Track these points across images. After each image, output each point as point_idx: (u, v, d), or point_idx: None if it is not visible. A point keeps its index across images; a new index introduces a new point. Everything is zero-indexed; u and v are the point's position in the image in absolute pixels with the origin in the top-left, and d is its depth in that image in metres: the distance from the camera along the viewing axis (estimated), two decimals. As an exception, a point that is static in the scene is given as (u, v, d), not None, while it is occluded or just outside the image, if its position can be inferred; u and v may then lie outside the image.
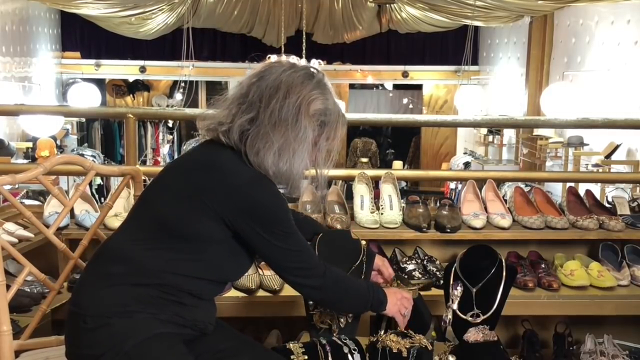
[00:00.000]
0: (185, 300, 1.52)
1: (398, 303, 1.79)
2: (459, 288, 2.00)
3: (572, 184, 3.34)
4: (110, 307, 1.46)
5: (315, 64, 5.47)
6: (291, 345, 1.79)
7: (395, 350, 1.80)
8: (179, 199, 1.51)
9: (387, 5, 7.79)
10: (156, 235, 1.52)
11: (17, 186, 5.29)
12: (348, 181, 3.96)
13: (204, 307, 1.58)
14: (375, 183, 2.69)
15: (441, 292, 2.20)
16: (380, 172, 2.66)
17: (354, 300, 1.74)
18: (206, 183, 1.50)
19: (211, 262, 1.54)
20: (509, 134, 7.76)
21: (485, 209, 2.59)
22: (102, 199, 7.10)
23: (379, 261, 1.96)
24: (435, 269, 2.38)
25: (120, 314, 1.46)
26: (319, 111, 1.55)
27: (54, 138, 6.96)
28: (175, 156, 9.42)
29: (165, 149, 9.72)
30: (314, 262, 1.64)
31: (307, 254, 1.63)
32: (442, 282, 2.28)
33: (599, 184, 4.65)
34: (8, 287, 1.66)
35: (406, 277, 2.28)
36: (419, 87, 10.65)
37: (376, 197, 2.58)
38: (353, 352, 1.77)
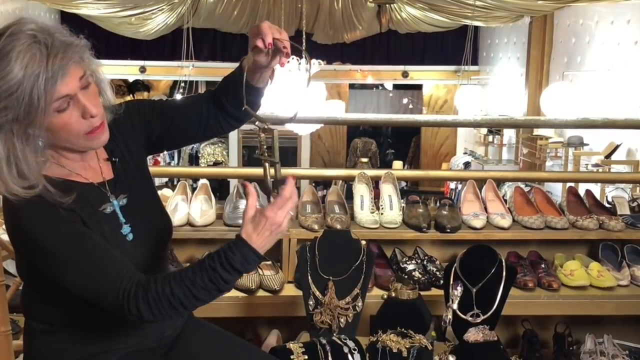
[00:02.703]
0: (114, 328, 1.37)
1: (268, 230, 1.25)
2: (458, 288, 2.00)
3: (572, 184, 3.34)
4: (56, 357, 1.37)
5: (316, 64, 5.47)
6: (291, 345, 1.79)
7: (395, 350, 1.80)
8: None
9: (387, 5, 7.79)
10: (32, 286, 1.40)
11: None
12: (348, 181, 3.96)
13: (141, 325, 1.39)
14: (375, 183, 2.69)
15: (441, 292, 2.20)
16: (380, 172, 2.66)
17: (198, 297, 1.24)
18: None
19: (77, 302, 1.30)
20: (509, 134, 7.76)
21: (485, 209, 2.58)
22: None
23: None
24: (435, 269, 2.37)
25: None
26: None
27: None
28: (175, 156, 9.44)
29: (165, 149, 9.70)
30: (106, 286, 1.24)
31: (94, 278, 1.24)
32: (442, 282, 2.28)
33: (599, 184, 4.65)
34: (8, 287, 1.66)
35: (406, 277, 2.28)
36: (419, 87, 10.66)
37: (376, 197, 2.58)
38: (353, 352, 1.77)
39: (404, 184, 7.90)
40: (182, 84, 8.76)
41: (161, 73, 9.33)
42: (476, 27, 8.05)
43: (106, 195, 1.35)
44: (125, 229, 1.35)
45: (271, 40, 1.31)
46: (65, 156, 1.30)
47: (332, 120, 2.96)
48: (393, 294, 2.03)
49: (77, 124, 1.22)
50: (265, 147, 1.34)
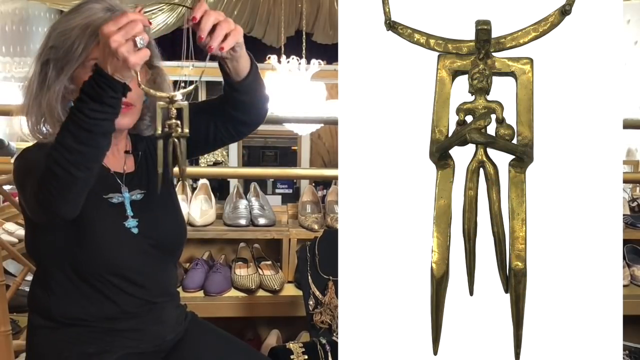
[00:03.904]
0: (114, 329, 1.36)
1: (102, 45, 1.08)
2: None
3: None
4: (53, 355, 1.35)
5: (315, 64, 5.48)
6: (291, 345, 1.79)
7: (395, 350, 1.80)
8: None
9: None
10: (40, 269, 1.39)
11: (17, 186, 5.29)
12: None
13: (135, 324, 1.38)
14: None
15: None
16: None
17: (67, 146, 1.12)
18: None
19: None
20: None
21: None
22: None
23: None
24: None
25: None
26: (52, 39, 1.26)
27: (54, 138, 6.94)
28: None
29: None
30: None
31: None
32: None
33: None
34: (8, 287, 1.66)
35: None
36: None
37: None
38: (353, 352, 1.77)
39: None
40: (182, 84, 8.76)
41: (161, 73, 9.32)
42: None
43: (118, 186, 1.35)
44: (131, 222, 1.35)
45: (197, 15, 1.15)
46: None
47: (332, 120, 2.96)
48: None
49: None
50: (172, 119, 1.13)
